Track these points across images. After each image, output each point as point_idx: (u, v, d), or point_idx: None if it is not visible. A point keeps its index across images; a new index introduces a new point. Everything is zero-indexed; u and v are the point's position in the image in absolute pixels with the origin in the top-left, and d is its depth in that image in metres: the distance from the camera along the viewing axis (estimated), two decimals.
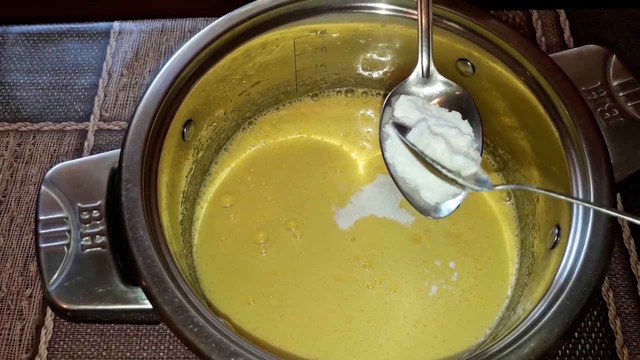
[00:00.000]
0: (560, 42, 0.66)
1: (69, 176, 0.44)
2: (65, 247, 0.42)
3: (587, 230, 0.39)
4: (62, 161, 0.52)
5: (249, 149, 0.56)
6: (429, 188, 0.44)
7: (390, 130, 0.46)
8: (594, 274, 0.38)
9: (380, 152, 0.47)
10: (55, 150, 0.60)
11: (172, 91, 0.46)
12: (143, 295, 0.40)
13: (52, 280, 0.40)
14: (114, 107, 0.63)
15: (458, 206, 0.44)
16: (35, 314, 0.52)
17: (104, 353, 0.51)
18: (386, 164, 0.46)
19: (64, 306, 0.40)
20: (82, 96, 0.63)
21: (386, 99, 0.48)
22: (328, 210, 0.53)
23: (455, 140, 0.43)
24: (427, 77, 0.48)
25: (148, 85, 0.45)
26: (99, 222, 0.42)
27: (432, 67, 0.47)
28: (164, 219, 0.43)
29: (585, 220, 0.40)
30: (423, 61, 0.47)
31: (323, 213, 0.53)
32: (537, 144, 0.48)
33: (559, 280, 0.38)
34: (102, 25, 0.67)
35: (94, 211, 0.43)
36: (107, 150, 0.54)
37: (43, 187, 0.43)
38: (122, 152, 0.43)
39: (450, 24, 0.50)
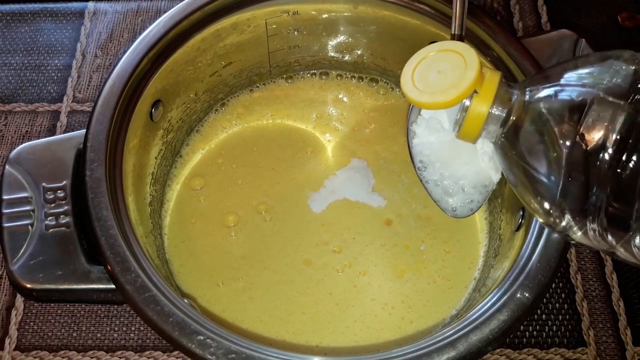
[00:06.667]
0: (537, 27, 0.66)
1: (34, 156, 0.44)
2: (29, 227, 0.41)
3: None
4: None
5: (221, 131, 0.56)
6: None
7: (419, 129, 0.45)
8: (553, 254, 0.38)
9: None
10: (27, 131, 0.60)
11: (140, 71, 0.45)
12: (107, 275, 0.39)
13: (15, 260, 0.40)
14: (87, 88, 0.62)
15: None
16: (5, 295, 0.52)
17: (74, 334, 0.51)
18: (413, 161, 0.46)
19: (28, 286, 0.40)
20: (55, 77, 0.63)
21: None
22: (301, 194, 0.53)
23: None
24: None
25: (115, 65, 0.45)
26: (63, 202, 0.42)
27: None
28: (129, 200, 0.43)
29: None
30: None
31: (295, 196, 0.53)
32: None
33: (521, 261, 0.39)
34: (76, 5, 0.67)
35: (59, 191, 0.42)
36: None
37: (7, 167, 0.43)
38: (87, 131, 0.43)
39: (422, 6, 0.49)
